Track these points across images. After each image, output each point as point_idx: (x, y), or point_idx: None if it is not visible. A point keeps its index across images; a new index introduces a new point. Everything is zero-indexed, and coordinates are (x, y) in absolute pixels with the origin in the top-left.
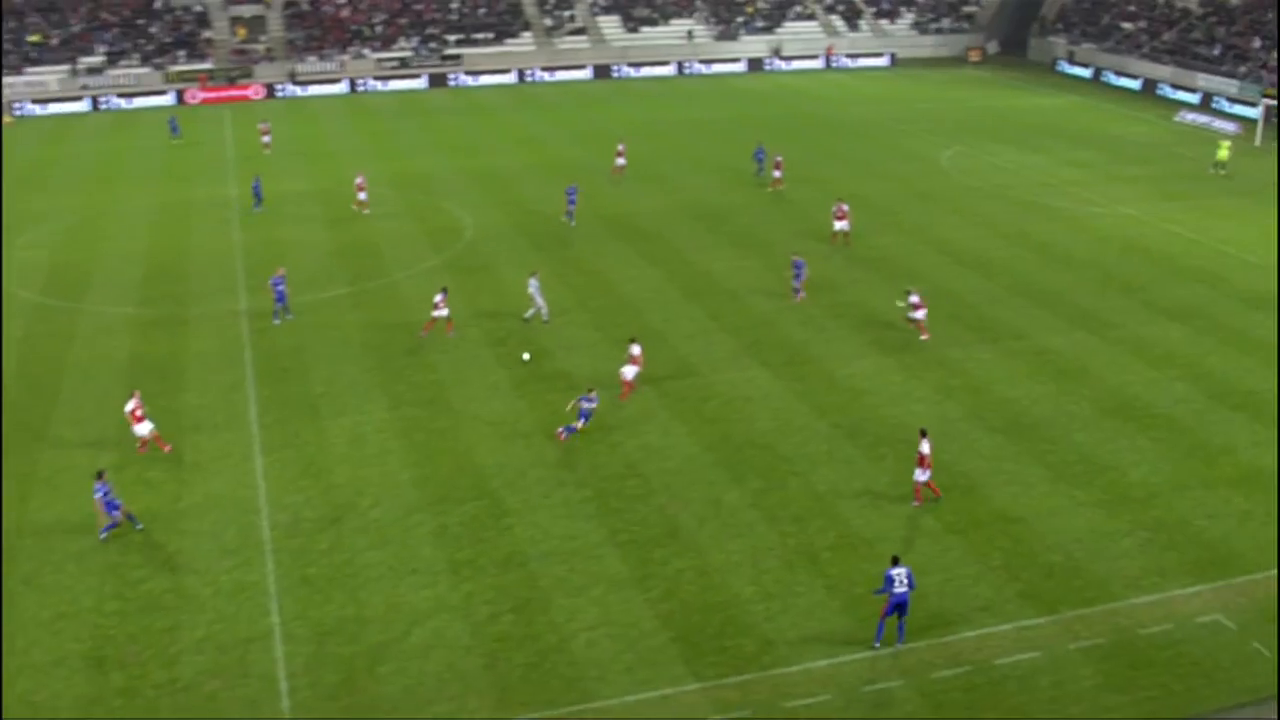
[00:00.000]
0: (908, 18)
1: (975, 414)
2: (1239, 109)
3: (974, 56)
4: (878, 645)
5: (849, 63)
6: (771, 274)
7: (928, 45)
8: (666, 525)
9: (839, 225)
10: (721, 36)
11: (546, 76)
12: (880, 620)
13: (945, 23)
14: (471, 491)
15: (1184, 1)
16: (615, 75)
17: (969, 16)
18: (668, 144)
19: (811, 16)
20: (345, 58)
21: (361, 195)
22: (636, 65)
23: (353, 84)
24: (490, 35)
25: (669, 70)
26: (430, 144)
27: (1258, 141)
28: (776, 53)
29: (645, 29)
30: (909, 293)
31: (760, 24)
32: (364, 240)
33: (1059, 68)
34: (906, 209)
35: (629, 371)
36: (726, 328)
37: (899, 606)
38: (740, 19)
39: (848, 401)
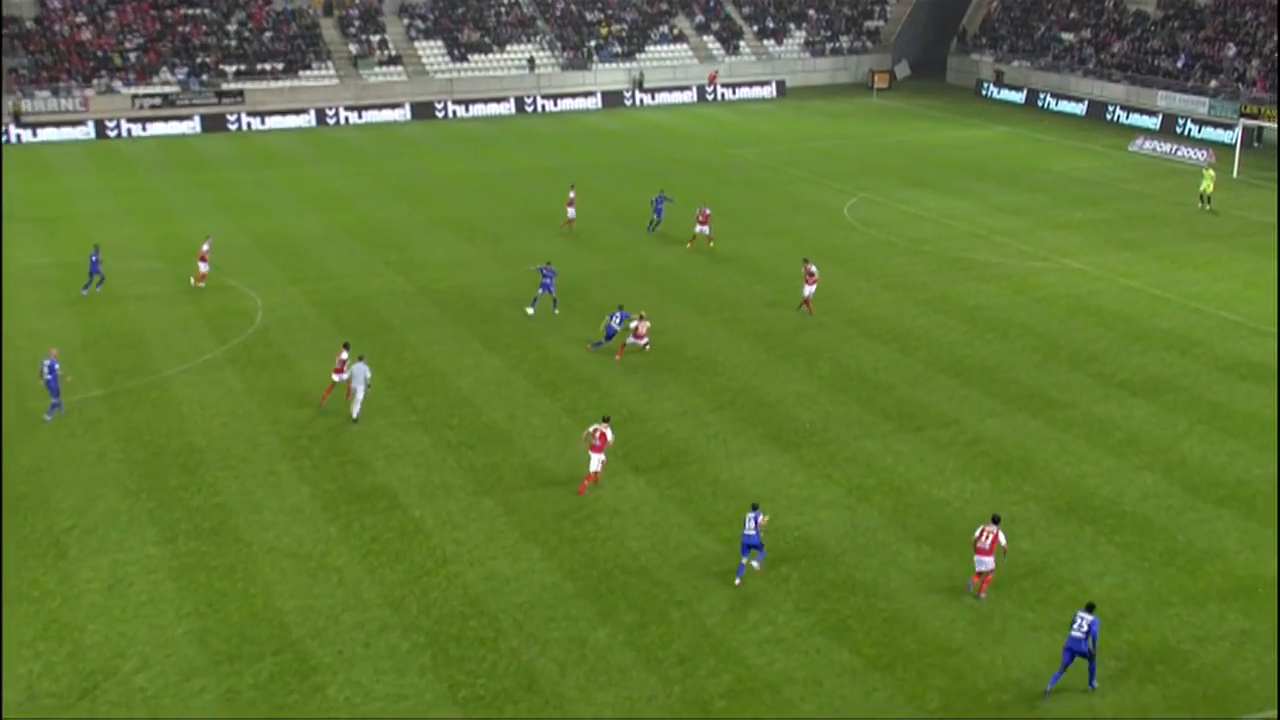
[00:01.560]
0: (798, 37)
1: (896, 520)
2: (1210, 133)
3: (880, 82)
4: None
5: (728, 94)
6: (641, 354)
7: (824, 70)
8: (520, 675)
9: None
10: (570, 65)
11: (353, 117)
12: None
13: (844, 41)
14: (269, 645)
15: (1138, 4)
16: (440, 115)
17: (872, 33)
18: (505, 199)
19: (680, 38)
20: (89, 93)
21: (203, 267)
22: (466, 102)
23: (100, 127)
24: (279, 66)
25: (506, 108)
26: (207, 203)
27: (1235, 172)
28: (638, 84)
29: (475, 57)
30: (805, 261)
31: (617, 49)
32: (123, 327)
33: (985, 92)
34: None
35: (595, 461)
36: (587, 423)
37: (1080, 654)
38: (592, 43)
39: (739, 511)
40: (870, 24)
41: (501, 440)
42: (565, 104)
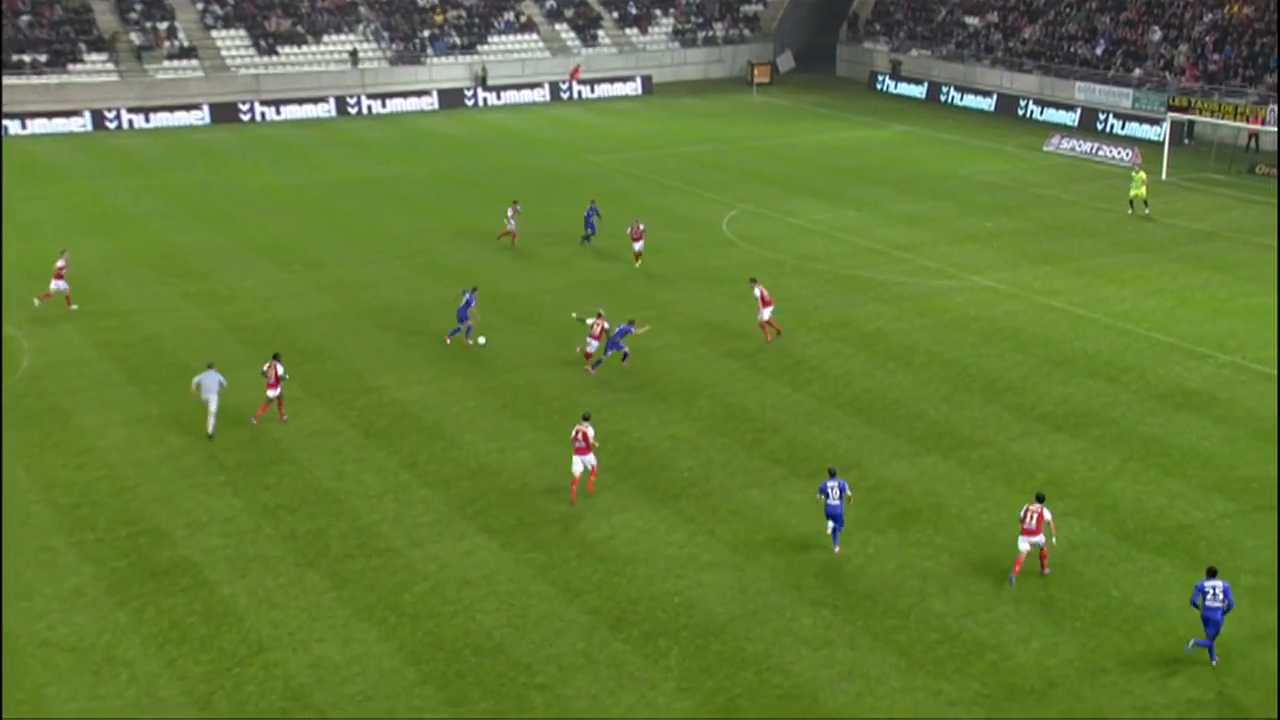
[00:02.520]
0: (665, 24)
1: (790, 582)
2: (1135, 128)
3: (760, 76)
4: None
5: (586, 92)
6: (490, 397)
7: (695, 62)
8: None
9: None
10: (400, 59)
11: (139, 120)
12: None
13: (718, 30)
14: None
15: None
16: (245, 118)
17: (750, 20)
18: (327, 217)
19: (528, 27)
20: None
21: (56, 285)
22: (276, 103)
23: None
24: (42, 58)
25: (325, 109)
26: None
27: (1164, 173)
28: (481, 81)
29: (286, 50)
30: (753, 281)
31: (455, 40)
32: None
33: (880, 85)
34: (676, 296)
35: (579, 464)
36: (430, 480)
37: (1208, 623)
38: (426, 33)
39: (608, 576)
40: (748, 9)
41: (327, 502)
42: (395, 104)
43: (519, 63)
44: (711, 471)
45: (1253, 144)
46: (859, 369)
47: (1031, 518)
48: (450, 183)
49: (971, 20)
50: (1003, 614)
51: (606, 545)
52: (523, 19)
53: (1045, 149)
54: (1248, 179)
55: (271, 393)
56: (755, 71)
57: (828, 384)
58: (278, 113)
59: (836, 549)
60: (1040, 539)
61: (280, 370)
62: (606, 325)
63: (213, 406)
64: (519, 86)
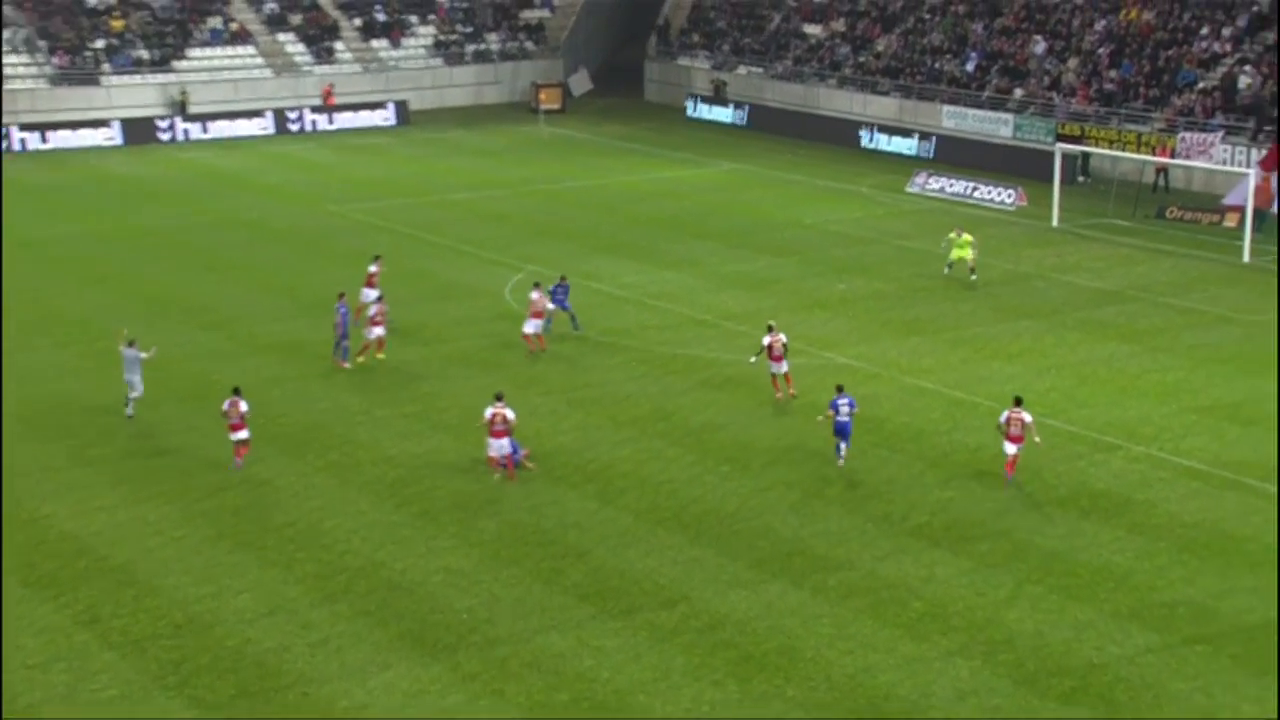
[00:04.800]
0: (423, 35)
1: None
2: (1019, 162)
3: (549, 100)
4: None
5: (321, 122)
6: (200, 523)
7: (465, 84)
8: None
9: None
10: (66, 78)
11: None
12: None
13: (493, 42)
14: None
15: None
16: None
17: (534, 29)
18: None
19: (242, 37)
20: None
21: None
22: None
23: None
24: None
25: None
26: None
27: (1055, 219)
28: (180, 107)
29: None
30: (771, 329)
31: (143, 53)
32: None
33: (698, 112)
34: (444, 388)
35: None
36: (116, 640)
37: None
38: (100, 43)
39: None
40: (529, 15)
41: None
42: (62, 138)
43: (231, 84)
44: (498, 613)
45: (1161, 181)
46: (684, 473)
47: (1016, 424)
48: (143, 243)
49: (812, 30)
50: None
51: (360, 715)
52: (233, 26)
53: (908, 189)
54: (1156, 225)
55: (237, 435)
56: (542, 95)
57: (645, 494)
58: None
59: (841, 462)
60: (1023, 445)
61: (244, 408)
62: (550, 305)
63: (139, 386)
64: (232, 115)
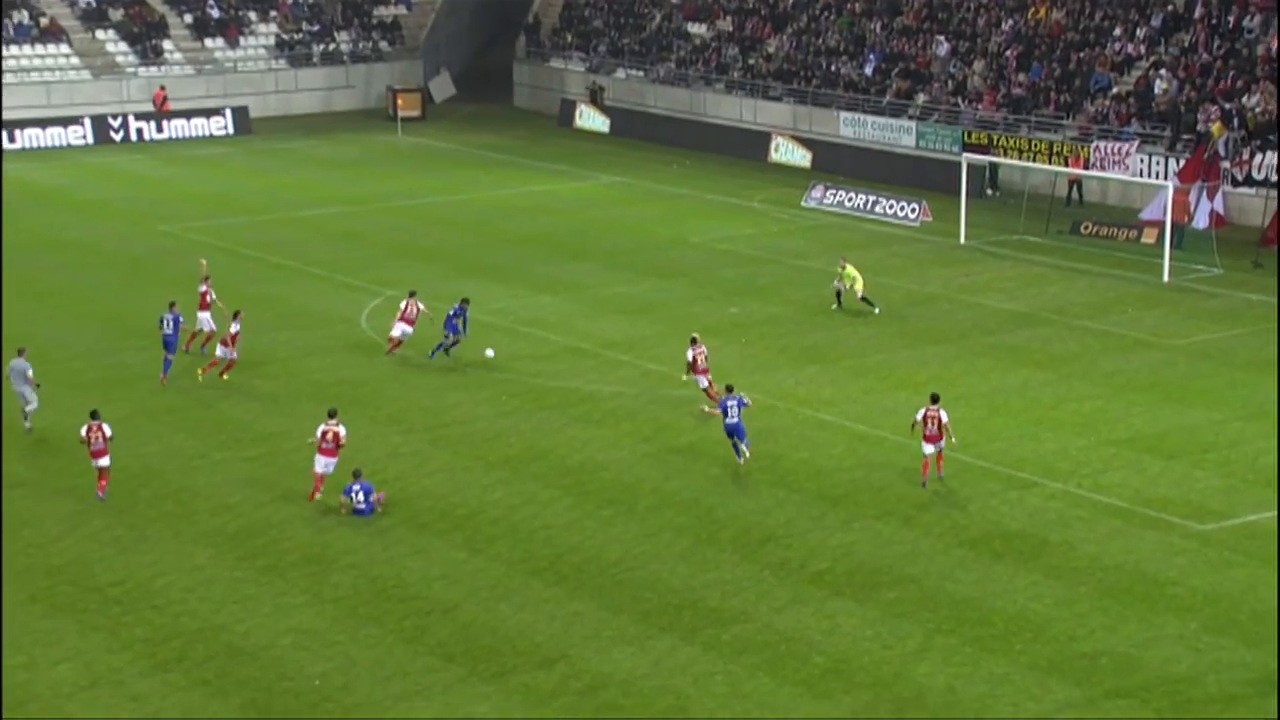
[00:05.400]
0: (263, 34)
1: None
2: (923, 172)
3: (408, 107)
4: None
5: (149, 131)
6: (10, 586)
7: (313, 88)
8: None
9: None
10: None
11: None
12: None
13: (344, 41)
14: None
15: None
16: None
17: (388, 27)
18: None
19: (54, 35)
20: None
21: None
22: None
23: None
24: None
25: None
26: None
27: (963, 236)
28: None
29: None
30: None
31: None
32: None
33: (576, 120)
34: (294, 425)
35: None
36: None
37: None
38: None
39: None
40: (384, 11)
41: None
42: None
43: (42, 87)
44: (354, 678)
45: (1075, 194)
46: (562, 518)
47: (932, 423)
48: None
49: (697, 29)
50: None
51: None
52: (43, 22)
53: (804, 204)
54: (1070, 241)
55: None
56: (400, 101)
57: (518, 542)
58: None
59: (741, 460)
60: (942, 444)
61: (108, 431)
62: (421, 307)
63: (31, 401)
64: (44, 123)
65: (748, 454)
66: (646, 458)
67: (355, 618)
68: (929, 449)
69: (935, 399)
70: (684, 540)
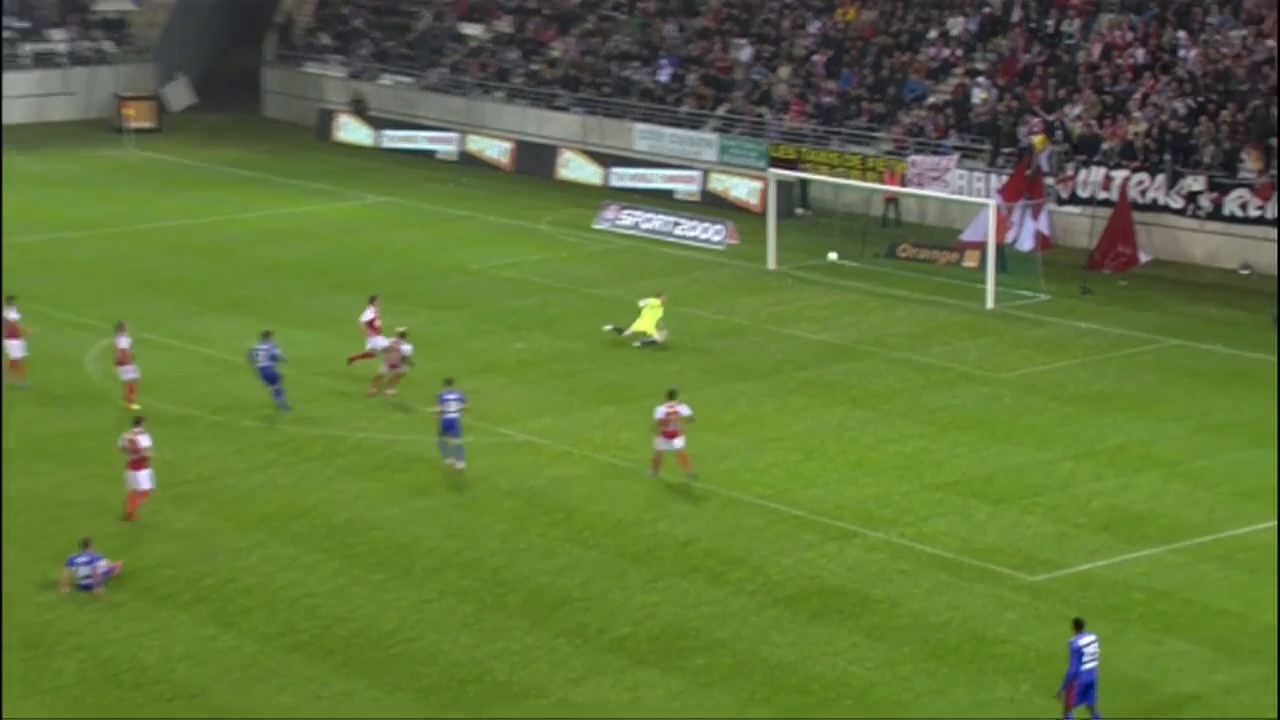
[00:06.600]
0: None
1: None
2: (732, 185)
3: (139, 117)
4: None
5: None
6: None
7: (23, 94)
8: None
9: None
10: None
11: None
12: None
13: (59, 41)
14: None
15: None
16: None
17: (114, 25)
18: None
19: None
20: None
21: None
22: None
23: None
24: None
25: None
26: None
27: (771, 259)
28: None
29: None
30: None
31: None
32: None
33: (336, 133)
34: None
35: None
36: None
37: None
38: None
39: None
40: (108, 6)
41: None
42: None
43: None
44: None
45: (891, 213)
46: (327, 585)
47: (673, 420)
48: None
49: (472, 30)
50: None
51: None
52: None
53: (596, 225)
54: (888, 265)
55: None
56: (128, 111)
57: (276, 614)
58: None
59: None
60: (682, 441)
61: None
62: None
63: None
64: None
65: (462, 459)
66: (424, 514)
67: (82, 708)
68: (666, 444)
69: (672, 394)
70: (467, 606)
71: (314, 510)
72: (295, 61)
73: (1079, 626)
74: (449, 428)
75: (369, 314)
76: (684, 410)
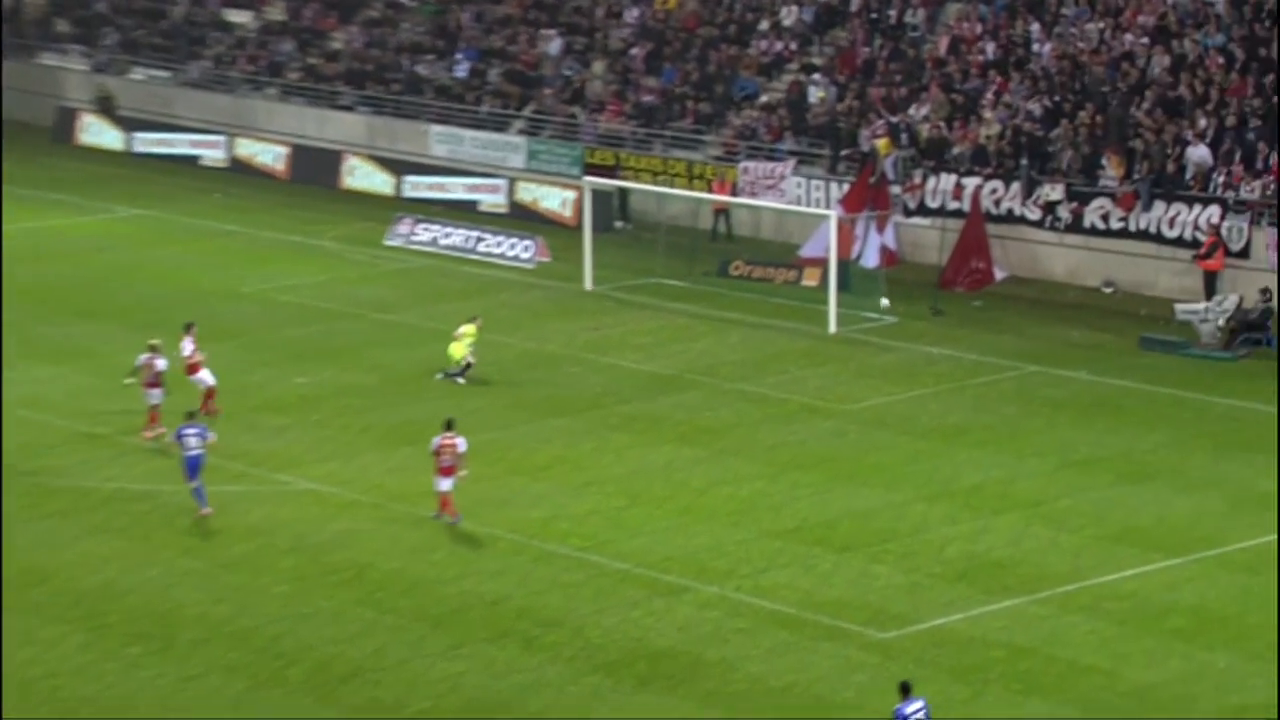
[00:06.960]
0: None
1: None
2: (542, 195)
3: None
4: None
5: None
6: None
7: None
8: None
9: None
10: None
11: None
12: None
13: None
14: None
15: None
16: None
17: None
18: None
19: None
20: None
21: None
22: None
23: None
24: None
25: None
26: None
27: (588, 279)
28: None
29: None
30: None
31: None
32: None
33: (79, 135)
34: None
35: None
36: None
37: None
38: None
39: None
40: None
41: None
42: None
43: None
44: None
45: (722, 226)
46: (71, 662)
47: (448, 454)
48: None
49: (239, 19)
50: None
51: None
52: None
53: (388, 242)
54: (719, 284)
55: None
56: None
57: (9, 697)
58: None
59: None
60: (451, 482)
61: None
62: (161, 365)
63: None
64: None
65: (206, 510)
66: (189, 576)
67: None
68: (445, 484)
69: (450, 424)
70: (239, 683)
71: (57, 575)
72: (27, 52)
73: (905, 691)
74: (191, 467)
75: (187, 348)
76: (460, 444)
